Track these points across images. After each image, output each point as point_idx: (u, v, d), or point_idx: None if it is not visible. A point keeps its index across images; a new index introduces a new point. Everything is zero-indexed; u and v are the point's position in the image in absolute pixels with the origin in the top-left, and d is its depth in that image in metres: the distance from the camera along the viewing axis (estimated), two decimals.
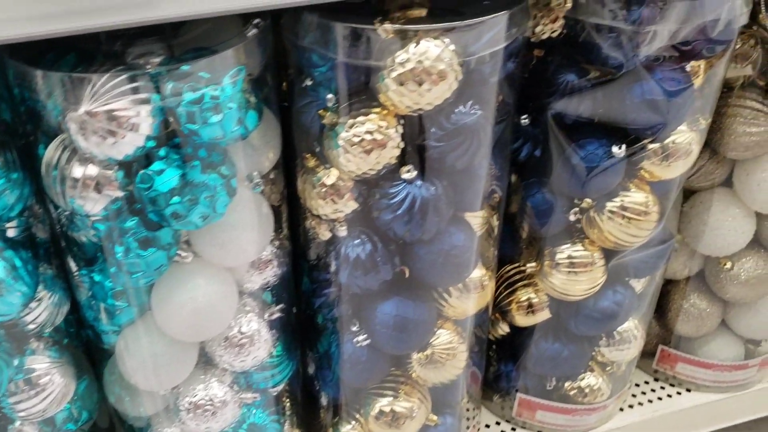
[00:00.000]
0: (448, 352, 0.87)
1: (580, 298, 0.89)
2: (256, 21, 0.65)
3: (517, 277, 0.95)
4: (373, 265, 0.76)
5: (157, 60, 0.59)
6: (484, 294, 0.88)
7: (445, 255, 0.77)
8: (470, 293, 0.85)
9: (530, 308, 0.94)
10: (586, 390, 1.00)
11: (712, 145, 0.90)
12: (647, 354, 1.11)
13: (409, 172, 0.70)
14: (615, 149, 0.77)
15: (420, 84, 0.63)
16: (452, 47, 0.63)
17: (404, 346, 0.83)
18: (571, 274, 0.87)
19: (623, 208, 0.83)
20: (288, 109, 0.74)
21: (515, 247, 0.92)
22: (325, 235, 0.77)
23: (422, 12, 0.69)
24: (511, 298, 0.95)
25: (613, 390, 1.02)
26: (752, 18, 0.81)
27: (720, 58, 0.79)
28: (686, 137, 0.81)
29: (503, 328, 1.00)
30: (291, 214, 0.81)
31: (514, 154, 0.85)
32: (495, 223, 0.86)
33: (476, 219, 0.82)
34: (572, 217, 0.84)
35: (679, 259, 1.01)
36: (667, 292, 1.06)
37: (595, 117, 0.77)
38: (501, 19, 0.66)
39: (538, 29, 0.77)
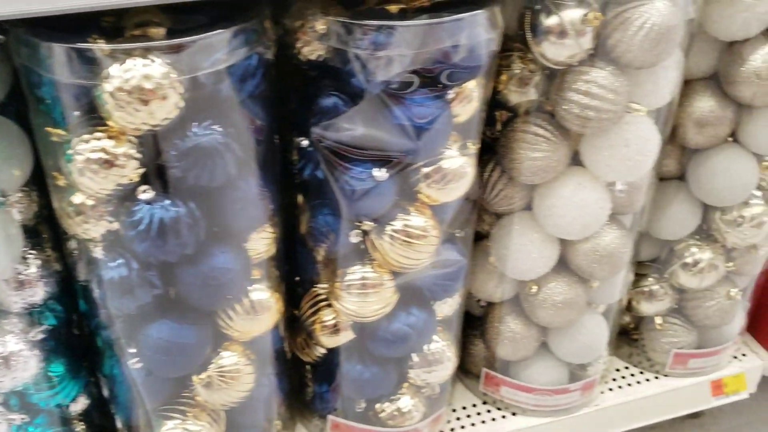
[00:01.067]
0: (232, 374, 0.86)
1: (371, 320, 0.89)
2: None
3: (321, 297, 0.94)
4: (129, 288, 0.75)
5: None
6: (270, 315, 0.87)
7: (205, 277, 0.77)
8: (253, 314, 0.85)
9: (333, 329, 0.93)
10: (395, 413, 0.99)
11: (505, 169, 0.91)
12: (477, 376, 1.11)
13: (145, 192, 0.70)
14: (376, 172, 0.77)
15: (133, 102, 0.63)
16: (162, 65, 0.62)
17: (173, 369, 0.82)
18: (361, 295, 0.87)
19: (402, 231, 0.83)
20: None
21: (314, 268, 0.91)
22: (84, 255, 0.77)
23: (160, 31, 0.69)
24: (314, 318, 0.94)
25: (428, 412, 1.02)
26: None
27: (478, 82, 0.80)
28: (458, 161, 0.81)
29: (319, 350, 0.99)
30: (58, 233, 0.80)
31: (298, 175, 0.85)
32: (274, 244, 0.85)
33: (254, 240, 0.82)
34: (354, 239, 0.84)
35: (492, 282, 1.01)
36: (486, 314, 1.06)
37: (354, 141, 0.77)
38: (222, 37, 0.66)
39: (305, 50, 0.77)
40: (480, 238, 1.01)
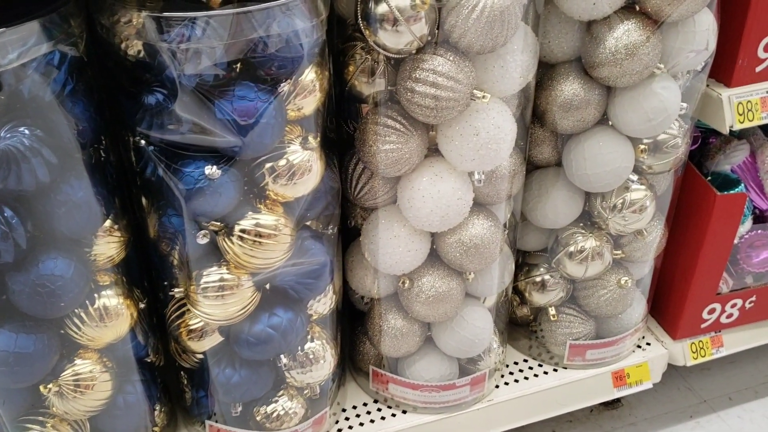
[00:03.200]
0: (87, 382, 0.84)
1: (232, 323, 0.87)
2: None
3: (184, 302, 0.92)
4: None
5: None
6: (121, 321, 0.85)
7: (33, 284, 0.74)
8: (103, 321, 0.83)
9: (199, 333, 0.91)
10: (273, 415, 0.97)
11: (364, 163, 0.89)
12: (368, 374, 1.09)
13: None
14: (208, 170, 0.75)
15: None
16: None
17: (14, 379, 0.80)
18: (219, 298, 0.85)
19: (251, 230, 0.81)
20: None
21: (171, 272, 0.89)
22: None
23: None
24: (179, 322, 0.92)
25: (309, 413, 0.99)
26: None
27: (318, 73, 0.77)
28: (301, 156, 0.79)
29: (193, 355, 0.96)
30: None
31: (140, 176, 0.83)
32: (124, 249, 0.83)
33: (100, 245, 0.80)
34: (201, 240, 0.81)
35: (369, 278, 0.99)
36: (369, 310, 1.03)
37: (180, 139, 0.74)
38: (15, 33, 0.63)
39: (124, 46, 0.74)
40: (357, 233, 0.98)
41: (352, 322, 1.10)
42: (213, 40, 0.68)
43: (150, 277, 0.94)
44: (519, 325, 1.18)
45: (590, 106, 0.91)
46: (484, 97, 0.81)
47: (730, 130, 0.99)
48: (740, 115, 0.98)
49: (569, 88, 0.91)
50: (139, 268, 0.91)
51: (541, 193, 1.01)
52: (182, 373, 1.00)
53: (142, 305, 0.90)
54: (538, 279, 1.10)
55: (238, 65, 0.72)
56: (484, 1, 0.75)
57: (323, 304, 0.96)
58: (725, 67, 0.99)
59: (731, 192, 1.07)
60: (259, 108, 0.73)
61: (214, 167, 0.75)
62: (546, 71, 0.93)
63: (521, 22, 0.84)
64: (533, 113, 0.95)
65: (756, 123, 0.98)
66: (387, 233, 0.92)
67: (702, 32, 0.87)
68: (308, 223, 0.89)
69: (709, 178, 1.10)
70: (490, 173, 0.90)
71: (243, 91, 0.72)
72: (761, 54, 0.96)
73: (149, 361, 0.95)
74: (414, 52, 0.79)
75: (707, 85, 1.00)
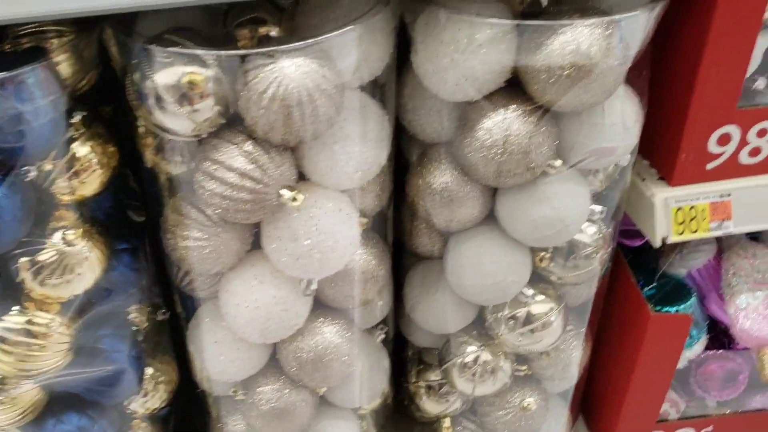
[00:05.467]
0: None
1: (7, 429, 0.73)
2: None
3: None
4: None
5: None
6: None
7: None
8: None
9: None
10: None
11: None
12: None
13: None
14: None
15: None
16: None
17: None
18: None
19: (16, 330, 0.66)
20: None
21: None
22: None
23: None
24: None
25: None
26: None
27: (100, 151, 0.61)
28: (69, 249, 0.64)
29: None
30: None
31: None
32: None
33: None
34: None
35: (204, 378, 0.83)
36: (215, 410, 0.88)
37: None
38: None
39: None
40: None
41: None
42: None
43: None
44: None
45: (466, 204, 0.71)
46: (294, 199, 0.62)
47: (664, 243, 0.76)
48: (680, 224, 0.75)
49: (440, 179, 0.71)
50: None
51: (424, 291, 0.82)
52: None
53: None
54: (430, 384, 0.91)
55: None
56: (275, 85, 0.56)
57: (151, 400, 0.81)
58: (667, 160, 0.76)
59: (674, 310, 0.84)
60: None
61: None
62: (421, 151, 0.74)
63: (372, 101, 0.66)
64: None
65: (701, 235, 0.76)
66: (209, 336, 0.75)
67: (613, 126, 0.66)
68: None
69: (653, 286, 0.87)
70: (334, 277, 0.72)
71: None
72: (713, 148, 0.73)
73: None
74: (205, 135, 0.62)
75: (643, 179, 0.78)
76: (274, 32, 0.63)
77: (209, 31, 0.64)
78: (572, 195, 0.69)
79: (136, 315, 0.79)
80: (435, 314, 0.83)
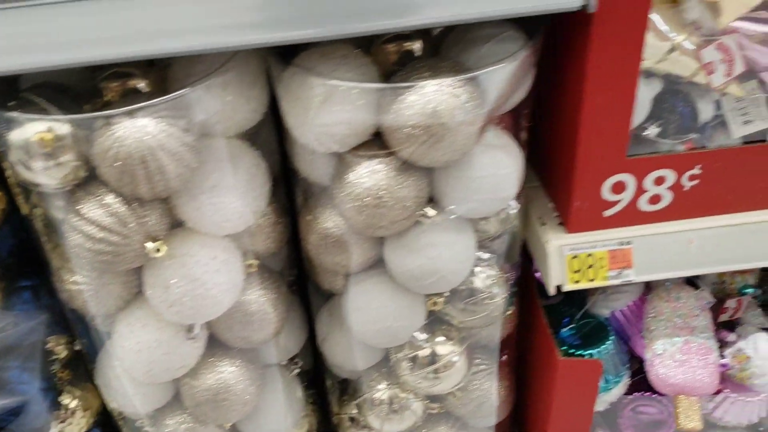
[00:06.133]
0: None
1: None
2: None
3: None
4: None
5: None
6: None
7: None
8: None
9: None
10: None
11: None
12: None
13: None
14: None
15: None
16: None
17: None
18: None
19: None
20: None
21: None
22: None
23: None
24: None
25: None
26: None
27: None
28: None
29: None
30: None
31: None
32: None
33: None
34: None
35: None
36: None
37: None
38: None
39: None
40: None
41: None
42: None
43: None
44: None
45: (350, 250, 0.71)
46: (158, 250, 0.63)
47: (559, 290, 0.74)
48: (575, 272, 0.73)
49: (324, 224, 0.71)
50: None
51: (332, 328, 0.82)
52: None
53: None
54: (352, 416, 0.91)
55: None
56: (117, 145, 0.57)
57: (69, 427, 0.84)
58: (563, 207, 0.74)
59: (588, 354, 0.82)
60: None
61: None
62: (310, 194, 0.74)
63: (246, 150, 0.66)
64: None
65: (599, 284, 0.73)
66: (111, 370, 0.78)
67: (483, 178, 0.64)
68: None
69: (572, 327, 0.85)
70: (226, 319, 0.73)
71: None
72: (608, 196, 0.70)
73: None
74: (69, 188, 0.63)
75: (543, 224, 0.76)
76: (141, 85, 0.64)
77: (79, 84, 0.66)
78: (449, 244, 0.68)
79: (54, 344, 0.82)
80: (343, 351, 0.83)
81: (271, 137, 0.71)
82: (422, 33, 0.66)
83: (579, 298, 0.90)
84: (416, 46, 0.66)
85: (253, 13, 0.54)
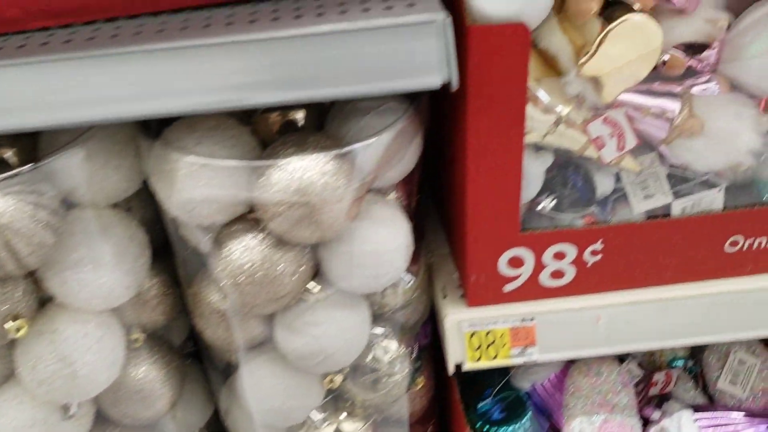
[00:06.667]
0: None
1: None
2: None
3: None
4: None
5: None
6: None
7: None
8: None
9: None
10: None
11: None
12: None
13: None
14: None
15: None
16: None
17: None
18: None
19: None
20: None
21: None
22: None
23: None
24: None
25: None
26: None
27: None
28: None
29: None
30: None
31: None
32: None
33: None
34: None
35: None
36: None
37: None
38: None
39: None
40: None
41: None
42: None
43: None
44: None
45: (235, 326, 0.67)
46: (18, 330, 0.60)
47: (457, 369, 0.70)
48: (476, 349, 0.69)
49: (207, 297, 0.67)
50: None
51: (232, 402, 0.78)
52: None
53: None
54: None
55: None
56: None
57: None
58: (462, 280, 0.71)
59: (502, 430, 0.78)
60: None
61: None
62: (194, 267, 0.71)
63: (119, 222, 0.64)
64: None
65: (501, 362, 0.69)
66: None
67: (367, 254, 0.61)
68: None
69: (486, 402, 0.81)
70: (111, 396, 0.70)
71: None
72: (506, 270, 0.67)
73: None
74: None
75: (444, 296, 0.72)
76: (8, 155, 0.62)
77: None
78: (335, 321, 0.64)
79: None
80: (246, 427, 0.79)
81: (157, 206, 0.68)
82: (306, 104, 0.64)
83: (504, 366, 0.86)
84: (299, 116, 0.64)
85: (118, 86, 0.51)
